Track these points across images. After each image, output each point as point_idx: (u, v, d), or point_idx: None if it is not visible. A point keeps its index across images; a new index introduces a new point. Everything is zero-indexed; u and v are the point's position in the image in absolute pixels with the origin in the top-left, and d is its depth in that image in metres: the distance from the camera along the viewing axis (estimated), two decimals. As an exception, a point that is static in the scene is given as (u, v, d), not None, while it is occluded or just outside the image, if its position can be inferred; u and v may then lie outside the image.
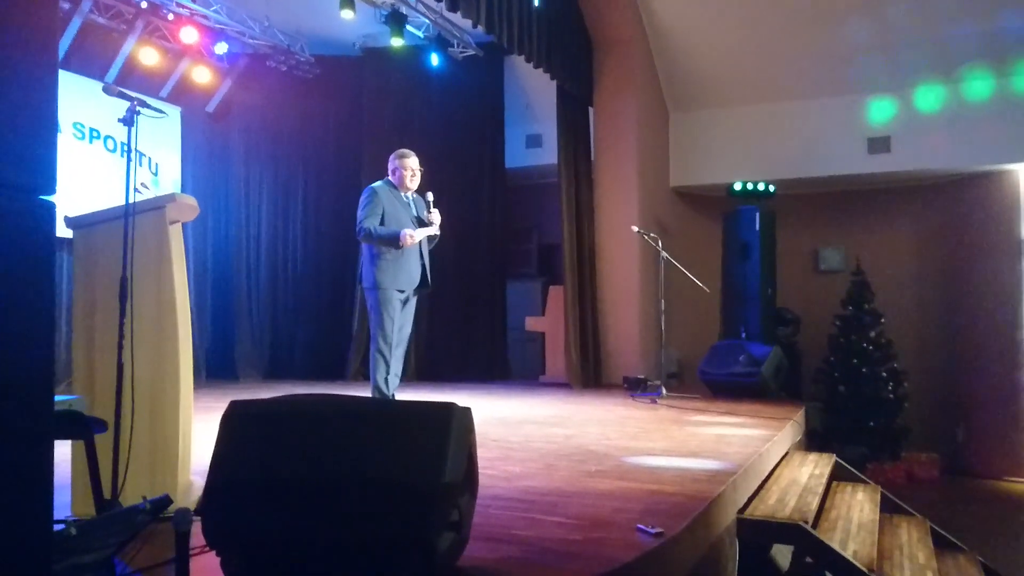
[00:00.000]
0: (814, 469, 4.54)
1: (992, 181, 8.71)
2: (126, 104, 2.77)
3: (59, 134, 7.48)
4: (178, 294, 2.95)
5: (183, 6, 7.47)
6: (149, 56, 7.92)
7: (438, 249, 5.45)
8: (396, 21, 7.04)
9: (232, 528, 2.06)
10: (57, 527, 1.86)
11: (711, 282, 8.08)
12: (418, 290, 5.39)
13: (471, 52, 8.63)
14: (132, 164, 2.58)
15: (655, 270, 8.74)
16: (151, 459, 2.95)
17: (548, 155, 9.96)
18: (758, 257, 8.17)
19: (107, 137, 7.82)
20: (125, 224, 2.64)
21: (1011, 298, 8.59)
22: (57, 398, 2.22)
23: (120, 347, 2.63)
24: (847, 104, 8.69)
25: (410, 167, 5.34)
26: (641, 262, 8.47)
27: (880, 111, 8.61)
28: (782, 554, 3.69)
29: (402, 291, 5.23)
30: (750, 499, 3.69)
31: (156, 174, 8.32)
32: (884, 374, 8.48)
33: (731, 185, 8.62)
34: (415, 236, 5.27)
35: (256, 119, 9.07)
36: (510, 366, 9.51)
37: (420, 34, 7.84)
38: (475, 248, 8.94)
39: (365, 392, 6.42)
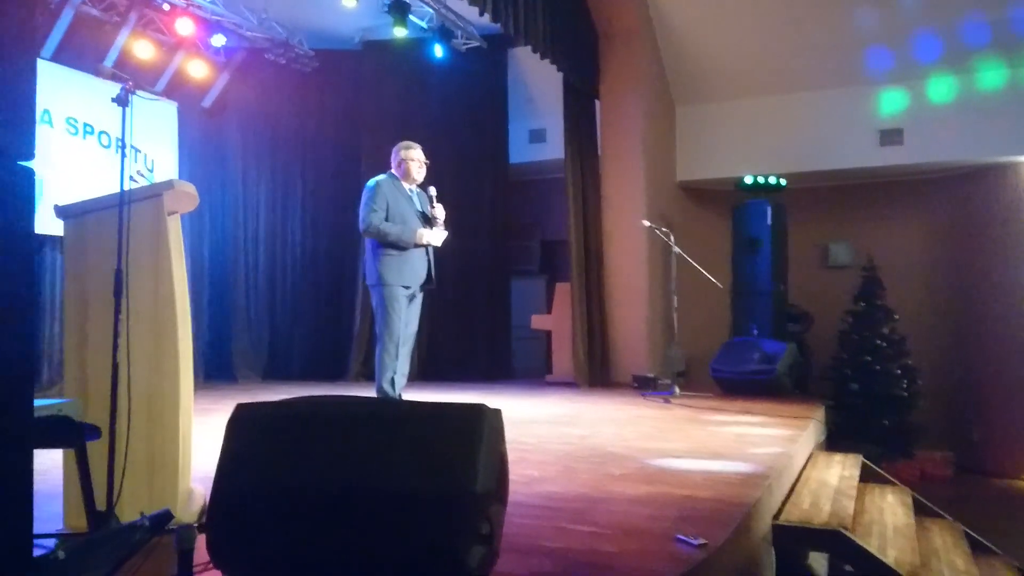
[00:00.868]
0: (843, 471, 4.35)
1: (1006, 173, 8.53)
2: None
3: (51, 129, 7.32)
4: (177, 289, 2.75)
5: (178, -4, 7.26)
6: (144, 49, 7.69)
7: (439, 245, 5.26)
8: (399, 10, 6.84)
9: (239, 544, 1.86)
10: (46, 547, 1.66)
11: (719, 278, 7.89)
12: (424, 286, 5.21)
13: (475, 44, 8.43)
14: (127, 147, 2.38)
15: (663, 266, 8.57)
16: (149, 466, 2.76)
17: (552, 150, 9.79)
18: (769, 252, 7.99)
19: (101, 132, 7.59)
20: (120, 213, 2.44)
21: (1026, 292, 8.43)
22: (47, 402, 2.01)
23: (115, 346, 2.42)
24: (857, 95, 8.50)
25: (417, 158, 5.16)
26: (649, 258, 8.28)
27: (891, 102, 8.43)
28: (818, 561, 3.50)
29: (407, 287, 5.05)
30: (782, 503, 3.50)
31: (152, 171, 8.10)
32: (898, 371, 8.30)
33: (740, 179, 8.43)
34: (428, 239, 5.07)
35: (253, 114, 8.86)
36: (514, 365, 9.31)
37: (423, 24, 7.63)
38: (477, 245, 8.73)
39: (369, 394, 6.26)
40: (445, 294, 8.08)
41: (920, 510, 4.67)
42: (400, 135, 6.54)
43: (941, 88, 8.24)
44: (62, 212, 2.60)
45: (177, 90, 8.32)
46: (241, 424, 1.95)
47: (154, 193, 2.62)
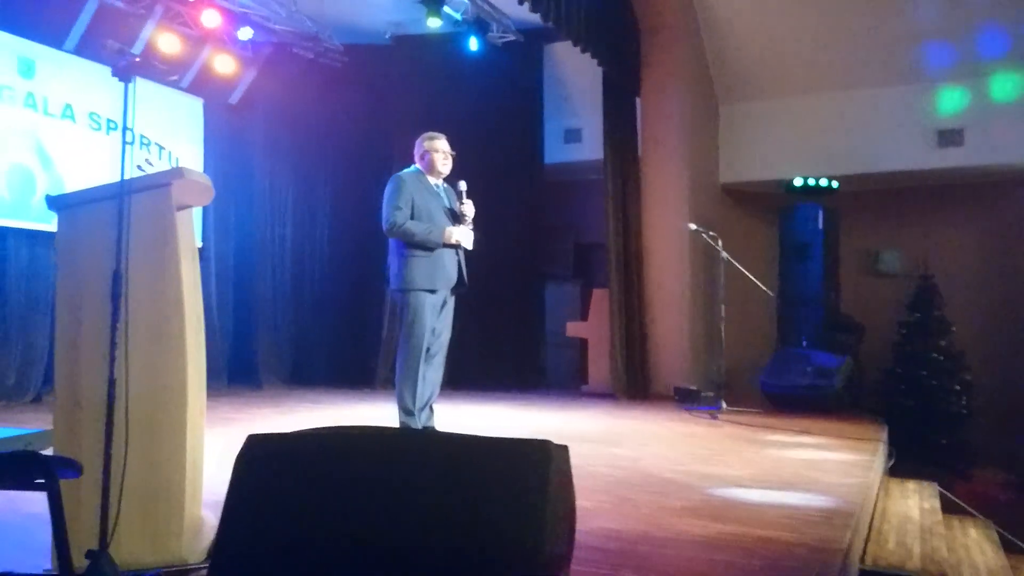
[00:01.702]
0: (921, 502, 3.92)
1: (1074, 177, 8.01)
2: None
3: (74, 124, 7.08)
4: (186, 293, 2.40)
5: (205, -14, 6.98)
6: (169, 43, 7.42)
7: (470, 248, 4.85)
8: (433, 0, 6.49)
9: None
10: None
11: (764, 284, 7.41)
12: (454, 290, 4.82)
13: (510, 37, 8.06)
14: (128, 129, 2.04)
15: (705, 272, 8.15)
16: (150, 494, 2.41)
17: (587, 150, 9.41)
18: (820, 258, 7.52)
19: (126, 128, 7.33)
20: (119, 205, 2.10)
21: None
22: (9, 432, 1.67)
23: (111, 358, 2.09)
24: (915, 93, 8.01)
25: (441, 149, 4.75)
26: (691, 263, 7.86)
27: (951, 101, 7.93)
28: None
29: (436, 292, 4.66)
30: (864, 543, 3.09)
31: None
32: (956, 387, 7.79)
33: (789, 181, 7.98)
34: (458, 237, 4.68)
35: (280, 110, 8.56)
36: (546, 374, 8.91)
37: (457, 16, 7.28)
38: (509, 247, 8.32)
39: (394, 402, 5.89)
40: (474, 297, 7.69)
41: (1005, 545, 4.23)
42: (431, 131, 6.21)
43: (1005, 86, 7.73)
44: (55, 203, 2.27)
45: (203, 86, 8.06)
46: (253, 461, 1.60)
47: (160, 183, 2.28)
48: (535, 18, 7.68)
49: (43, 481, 1.60)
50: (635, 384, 7.64)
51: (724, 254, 6.35)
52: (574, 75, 9.03)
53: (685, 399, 6.97)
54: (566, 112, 9.38)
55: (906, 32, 7.63)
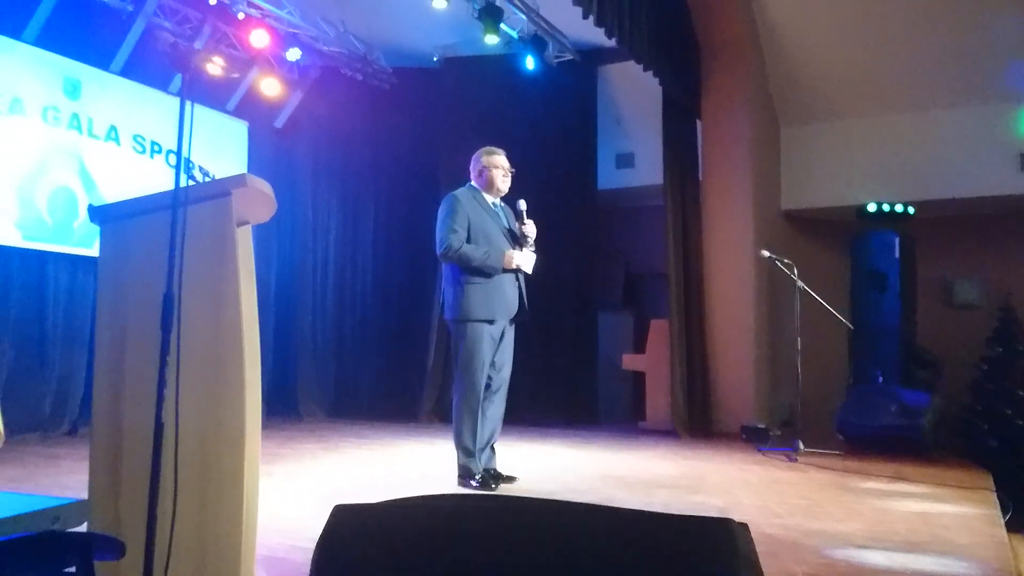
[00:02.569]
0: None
1: None
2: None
3: (118, 147, 6.91)
4: (246, 321, 2.07)
5: (254, 5, 6.79)
6: (216, 65, 7.24)
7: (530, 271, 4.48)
8: (491, 16, 6.21)
9: None
10: None
11: (831, 316, 6.90)
12: (515, 319, 4.46)
13: (567, 57, 7.77)
14: (187, 123, 1.73)
15: (771, 302, 7.69)
16: (200, 554, 2.06)
17: (641, 175, 9.07)
18: (897, 288, 7.03)
19: (169, 151, 7.15)
20: (172, 216, 1.78)
21: None
22: (32, 503, 1.33)
23: (160, 397, 1.75)
24: (996, 114, 7.53)
25: (501, 165, 4.42)
26: (756, 293, 7.42)
27: (1035, 122, 7.46)
28: None
29: (495, 321, 4.30)
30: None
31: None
32: (1046, 428, 7.22)
33: (861, 206, 7.52)
34: (519, 261, 4.34)
35: (326, 134, 8.35)
36: (600, 408, 8.48)
37: (514, 34, 7.01)
38: (560, 275, 7.93)
39: (443, 437, 5.52)
40: (523, 327, 7.32)
41: None
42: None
43: (1094, 106, 7.25)
44: (97, 214, 1.96)
45: (249, 109, 7.88)
46: (342, 538, 1.23)
47: (220, 192, 1.96)
48: (590, 38, 7.43)
49: (74, 571, 1.25)
50: (697, 421, 7.18)
51: (800, 283, 5.91)
52: (628, 98, 8.71)
53: (754, 438, 6.50)
54: (619, 136, 9.06)
55: (987, 49, 7.19)
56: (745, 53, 7.64)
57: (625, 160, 9.25)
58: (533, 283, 4.51)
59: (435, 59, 8.33)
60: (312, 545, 1.28)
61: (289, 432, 6.74)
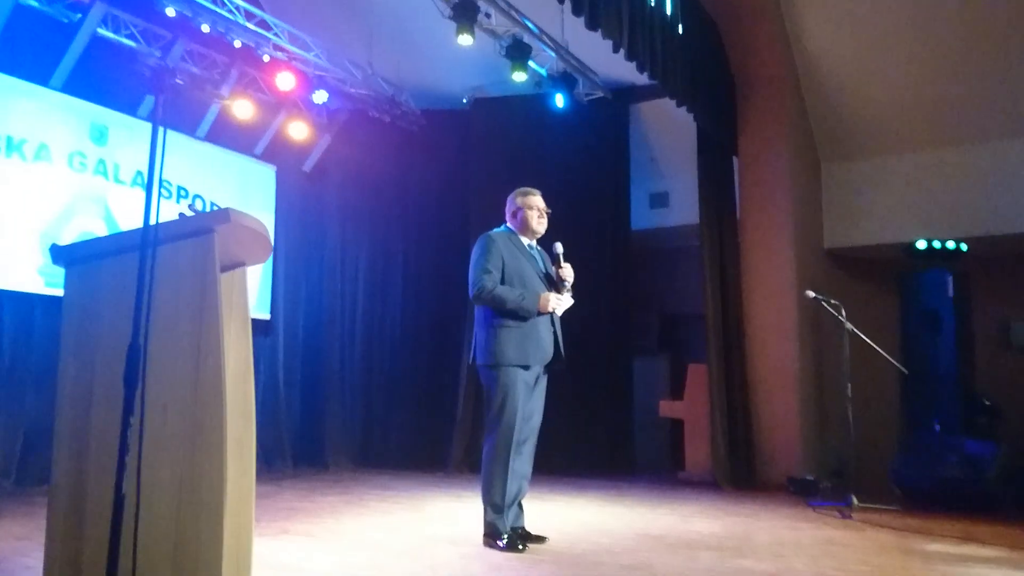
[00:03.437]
0: None
1: None
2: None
3: (144, 192, 6.86)
4: (231, 375, 1.84)
5: (280, 48, 6.74)
6: (243, 109, 7.19)
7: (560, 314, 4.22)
8: (518, 53, 6.06)
9: None
10: None
11: (882, 358, 6.47)
12: (549, 366, 4.20)
13: (598, 94, 7.60)
14: (159, 149, 1.52)
15: (817, 345, 7.32)
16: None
17: (675, 216, 8.83)
18: (952, 330, 6.62)
19: (196, 196, 7.08)
20: (141, 257, 1.57)
21: None
22: None
23: (120, 465, 1.51)
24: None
25: (536, 206, 4.23)
26: (799, 336, 7.06)
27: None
28: None
29: (529, 368, 4.05)
30: None
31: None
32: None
33: (910, 244, 7.15)
34: (555, 304, 4.10)
35: (354, 177, 8.25)
36: (636, 457, 8.10)
37: (543, 71, 6.86)
38: (594, 318, 7.66)
39: (471, 490, 5.23)
40: (556, 373, 7.02)
41: None
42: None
43: None
44: (62, 255, 1.75)
45: (277, 153, 7.81)
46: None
47: (199, 229, 1.75)
48: (621, 74, 7.25)
49: None
50: (740, 471, 6.79)
51: (848, 325, 5.56)
52: (661, 136, 8.52)
53: (802, 490, 6.10)
54: (652, 175, 8.84)
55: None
56: (783, 88, 7.40)
57: (659, 200, 9.03)
58: (565, 326, 4.26)
59: (464, 100, 8.24)
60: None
61: (312, 483, 6.50)
